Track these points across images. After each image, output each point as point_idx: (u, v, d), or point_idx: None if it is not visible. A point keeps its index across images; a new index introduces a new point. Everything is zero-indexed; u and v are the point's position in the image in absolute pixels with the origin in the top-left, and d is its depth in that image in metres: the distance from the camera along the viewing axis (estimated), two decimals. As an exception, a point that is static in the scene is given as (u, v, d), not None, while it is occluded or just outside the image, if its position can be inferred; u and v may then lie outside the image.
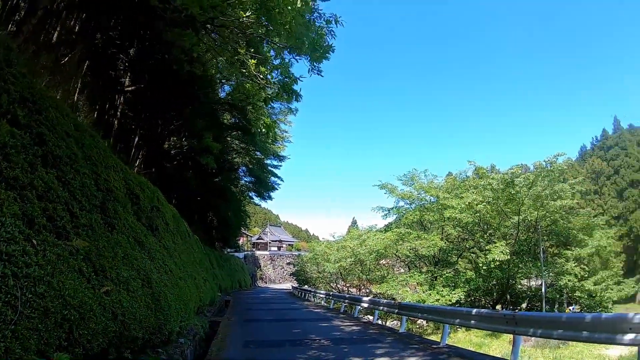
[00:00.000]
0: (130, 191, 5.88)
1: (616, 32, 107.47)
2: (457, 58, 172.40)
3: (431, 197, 18.58)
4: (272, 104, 18.58)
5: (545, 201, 15.58)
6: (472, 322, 6.94)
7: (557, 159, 15.17)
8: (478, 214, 15.78)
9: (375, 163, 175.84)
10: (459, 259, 19.06)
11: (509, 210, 16.27)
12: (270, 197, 29.81)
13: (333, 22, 7.18)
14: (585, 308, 20.49)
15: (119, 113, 11.93)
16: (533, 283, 21.62)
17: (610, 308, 34.69)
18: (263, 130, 15.78)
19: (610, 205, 39.16)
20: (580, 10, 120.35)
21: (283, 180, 28.61)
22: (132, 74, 12.18)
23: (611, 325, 4.23)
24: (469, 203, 14.74)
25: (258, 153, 23.48)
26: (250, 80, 7.92)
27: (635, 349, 4.29)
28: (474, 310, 7.14)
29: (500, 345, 12.70)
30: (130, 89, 12.10)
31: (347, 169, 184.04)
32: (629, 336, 3.99)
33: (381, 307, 11.75)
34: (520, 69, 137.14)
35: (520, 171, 16.01)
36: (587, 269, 21.47)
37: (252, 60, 7.12)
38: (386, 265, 23.07)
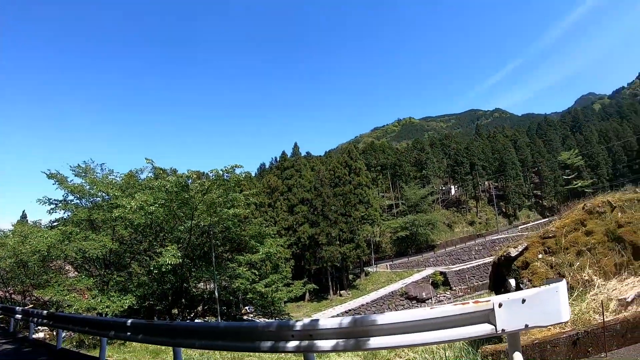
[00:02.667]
0: None
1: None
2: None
3: (104, 194, 17.75)
4: None
5: (219, 208, 17.38)
6: (129, 334, 6.60)
7: (234, 170, 17.21)
8: (151, 216, 16.18)
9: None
10: (133, 262, 18.88)
11: (182, 214, 17.41)
12: None
13: None
14: (258, 307, 23.46)
15: None
16: (210, 286, 23.57)
17: (283, 306, 42.26)
18: None
19: (281, 218, 48.00)
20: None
21: None
22: None
23: (274, 333, 4.34)
24: (141, 203, 14.93)
25: None
26: None
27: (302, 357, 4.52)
28: (129, 321, 6.68)
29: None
30: None
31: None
32: (293, 343, 4.17)
33: (36, 319, 10.60)
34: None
35: (195, 176, 17.32)
36: (258, 273, 24.71)
37: None
38: (54, 267, 20.43)
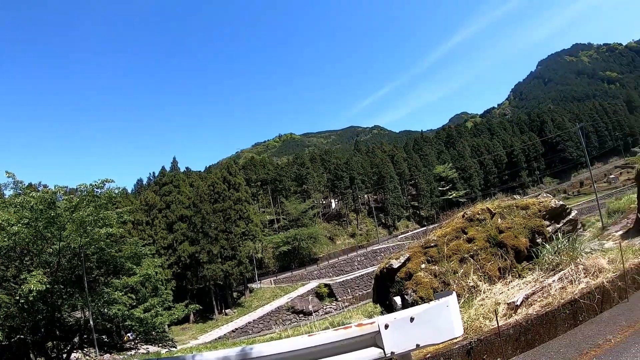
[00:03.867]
0: None
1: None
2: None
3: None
4: None
5: (89, 227, 15.92)
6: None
7: (104, 184, 15.95)
8: (14, 237, 14.29)
9: None
10: (-1, 290, 16.28)
11: (50, 234, 15.67)
12: None
13: None
14: (140, 334, 22.12)
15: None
16: (87, 314, 21.44)
17: (167, 331, 39.74)
18: None
19: (160, 236, 45.60)
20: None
21: None
22: None
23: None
24: (1, 223, 13.18)
25: None
26: None
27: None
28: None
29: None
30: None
31: None
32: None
33: None
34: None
35: (62, 192, 15.71)
36: (135, 297, 23.39)
37: None
38: None
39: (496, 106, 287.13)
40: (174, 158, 59.67)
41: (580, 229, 10.72)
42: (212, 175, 62.46)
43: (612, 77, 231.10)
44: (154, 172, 63.60)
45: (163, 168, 57.43)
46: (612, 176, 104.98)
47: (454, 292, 3.77)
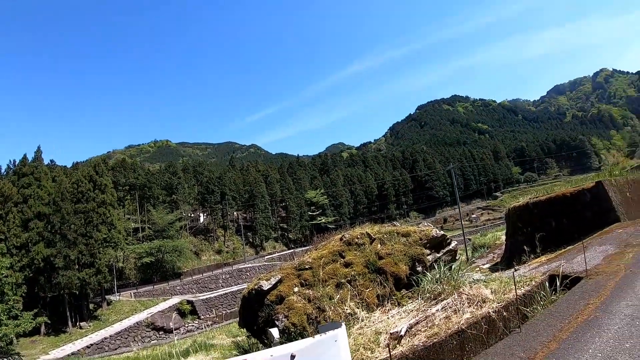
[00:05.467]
0: None
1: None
2: None
3: None
4: None
5: None
6: None
7: None
8: None
9: None
10: None
11: None
12: None
13: None
14: None
15: None
16: None
17: (15, 343, 37.99)
18: None
19: (13, 234, 43.49)
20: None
21: None
22: None
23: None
24: None
25: None
26: None
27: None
28: None
29: None
30: None
31: None
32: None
33: None
34: None
35: None
36: None
37: None
38: None
39: (373, 141, 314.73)
40: (39, 147, 56.46)
41: (459, 259, 11.42)
42: (78, 172, 60.71)
43: (483, 129, 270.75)
44: (14, 160, 59.34)
45: (25, 157, 53.98)
46: (474, 216, 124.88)
47: (343, 324, 3.72)
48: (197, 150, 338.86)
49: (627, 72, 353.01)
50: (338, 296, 8.23)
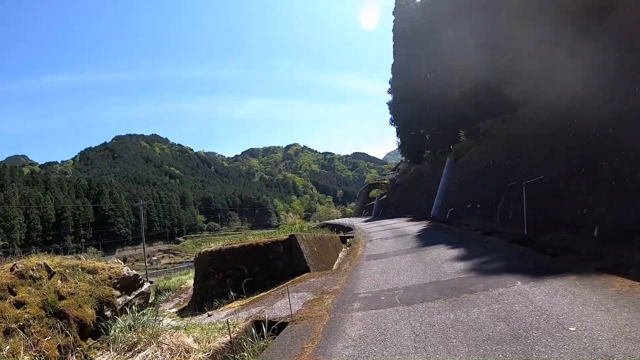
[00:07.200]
0: None
1: None
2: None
3: None
4: None
5: None
6: None
7: None
8: None
9: None
10: None
11: None
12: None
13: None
14: None
15: None
16: None
17: None
18: None
19: None
20: None
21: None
22: None
23: None
24: None
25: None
26: None
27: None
28: None
29: None
30: None
31: None
32: None
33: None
34: None
35: None
36: None
37: None
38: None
39: (60, 162, 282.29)
40: None
41: (152, 302, 11.01)
42: None
43: (175, 173, 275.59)
44: None
45: None
46: (155, 258, 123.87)
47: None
48: None
49: (316, 151, 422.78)
50: (8, 347, 6.43)
